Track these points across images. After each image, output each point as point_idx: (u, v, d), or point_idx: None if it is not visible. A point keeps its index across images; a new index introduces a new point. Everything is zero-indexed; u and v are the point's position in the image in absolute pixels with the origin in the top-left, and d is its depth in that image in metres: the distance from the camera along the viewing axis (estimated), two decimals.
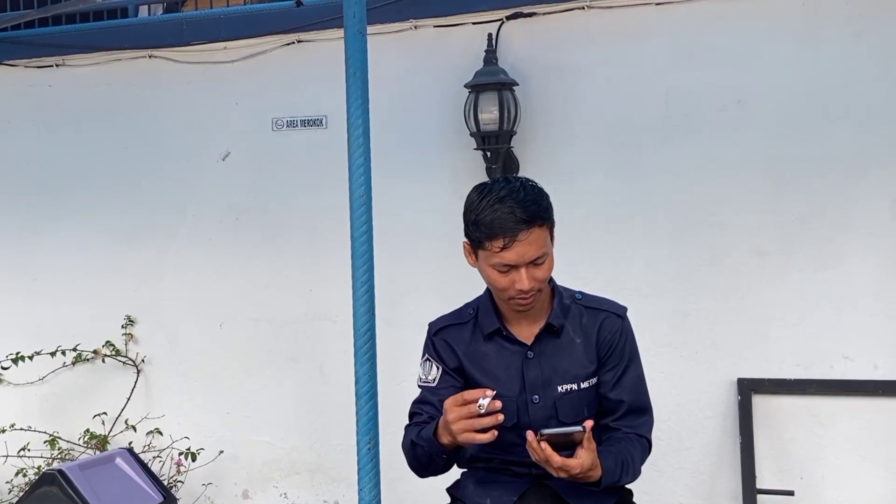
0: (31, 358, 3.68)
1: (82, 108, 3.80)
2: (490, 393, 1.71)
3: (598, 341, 1.90)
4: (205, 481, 3.59)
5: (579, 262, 3.00)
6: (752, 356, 2.91)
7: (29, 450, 3.67)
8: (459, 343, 1.92)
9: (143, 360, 3.74)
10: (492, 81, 2.95)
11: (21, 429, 3.67)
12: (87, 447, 3.66)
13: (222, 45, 3.49)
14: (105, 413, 3.72)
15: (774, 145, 2.92)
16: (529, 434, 1.70)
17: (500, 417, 1.70)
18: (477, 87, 2.97)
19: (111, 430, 3.71)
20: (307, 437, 3.52)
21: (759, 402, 2.88)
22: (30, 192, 3.88)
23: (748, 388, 2.88)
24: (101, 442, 3.66)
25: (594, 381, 1.89)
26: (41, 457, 3.66)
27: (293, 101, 3.46)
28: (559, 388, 1.86)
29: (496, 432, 1.71)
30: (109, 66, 3.73)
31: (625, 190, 3.01)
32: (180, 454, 3.54)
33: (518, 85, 3.02)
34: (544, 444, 1.68)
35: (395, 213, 3.22)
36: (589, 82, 3.05)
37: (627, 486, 1.93)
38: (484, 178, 3.11)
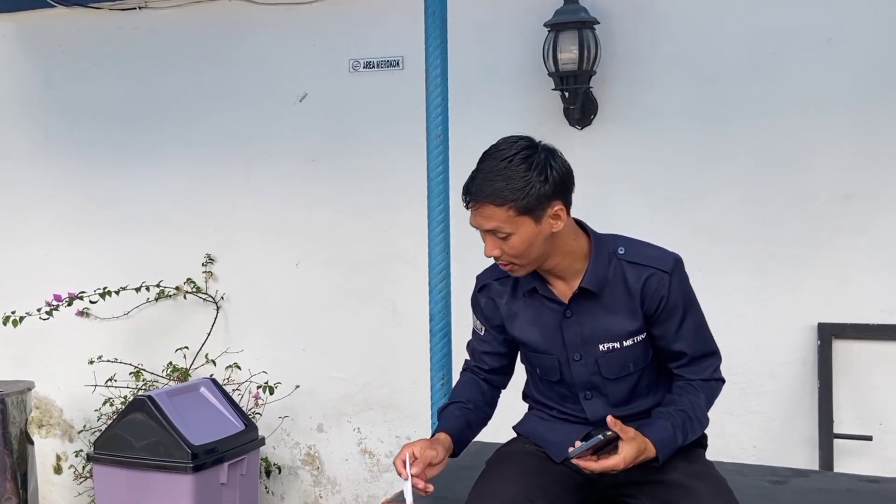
0: (117, 293, 3.83)
1: (164, 50, 3.87)
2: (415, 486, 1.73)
3: (644, 299, 1.83)
4: (281, 414, 3.71)
5: (659, 205, 2.98)
6: (834, 301, 2.86)
7: (115, 381, 3.84)
8: (501, 299, 1.93)
9: (222, 297, 3.86)
10: (572, 20, 2.91)
11: (108, 361, 3.83)
12: (169, 379, 3.81)
13: None
14: (186, 347, 3.86)
15: (864, 86, 2.83)
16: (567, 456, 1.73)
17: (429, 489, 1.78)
18: (556, 26, 2.94)
19: (192, 363, 3.85)
20: (380, 374, 3.60)
21: (840, 348, 2.84)
22: (113, 134, 3.99)
23: (828, 333, 2.84)
24: (182, 374, 3.81)
25: (640, 337, 1.85)
26: (127, 387, 3.82)
27: (370, 43, 3.48)
28: (600, 347, 1.85)
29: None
30: (190, 8, 3.79)
31: (707, 131, 2.96)
32: (258, 388, 3.66)
33: (599, 24, 2.97)
34: (577, 461, 1.69)
35: (470, 154, 3.22)
36: (671, 21, 2.99)
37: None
38: (561, 119, 3.12)
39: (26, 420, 3.77)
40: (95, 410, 3.85)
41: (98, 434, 3.78)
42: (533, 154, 1.73)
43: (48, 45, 4.08)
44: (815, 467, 2.83)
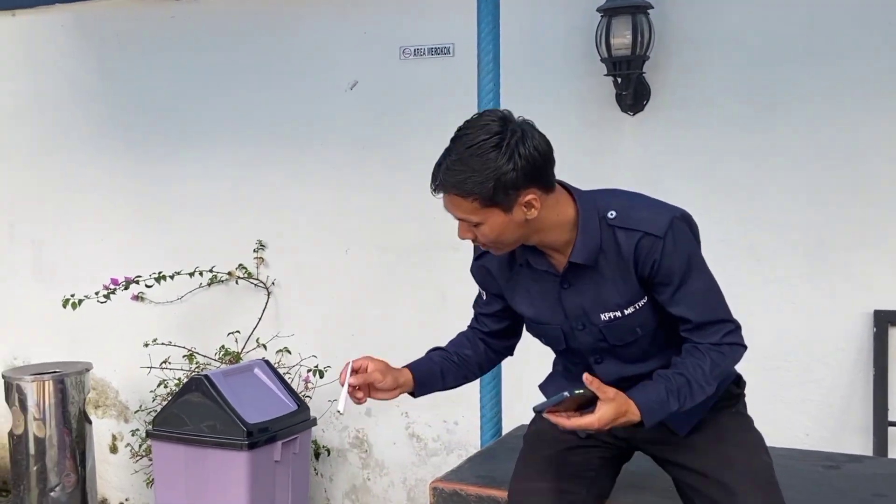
0: (171, 277, 3.91)
1: (216, 38, 3.94)
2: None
3: (637, 265, 1.72)
4: (330, 398, 3.76)
5: (712, 192, 2.97)
6: (891, 288, 2.83)
7: (169, 363, 3.93)
8: (498, 269, 1.86)
9: (273, 283, 3.93)
10: (625, 5, 2.91)
11: (162, 344, 3.92)
12: (221, 362, 3.89)
13: None
14: (238, 331, 3.94)
15: None
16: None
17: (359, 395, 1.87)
18: (610, 11, 2.94)
19: (244, 347, 3.93)
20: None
21: None
22: (167, 121, 4.08)
23: (885, 321, 2.81)
24: (234, 358, 3.88)
25: (641, 303, 1.75)
26: (181, 369, 3.91)
27: (421, 30, 3.50)
28: (602, 317, 1.77)
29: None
30: None
31: (762, 117, 2.94)
32: (308, 371, 3.72)
33: (653, 8, 2.96)
34: (547, 415, 1.63)
35: None
36: (727, 4, 2.97)
37: (734, 384, 1.87)
38: (613, 105, 3.11)
39: (84, 400, 3.88)
40: (150, 392, 3.94)
41: (153, 415, 3.89)
42: (501, 139, 1.60)
43: (104, 35, 4.18)
44: (870, 454, 2.80)
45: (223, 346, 3.92)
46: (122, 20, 4.12)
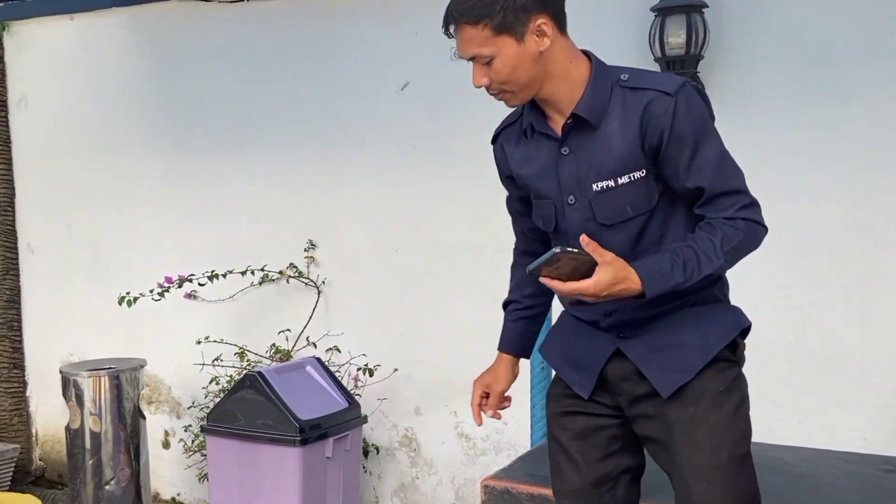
0: (223, 276, 3.98)
1: (268, 40, 4.00)
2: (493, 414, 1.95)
3: (643, 126, 1.62)
4: (379, 396, 3.80)
5: (768, 191, 2.90)
6: None
7: (221, 360, 3.99)
8: (510, 145, 1.82)
9: (323, 282, 3.97)
10: (680, 4, 2.89)
11: (214, 341, 3.98)
12: (272, 360, 3.95)
13: None
14: (289, 330, 3.99)
15: None
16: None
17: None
18: (663, 11, 2.92)
19: (294, 345, 3.98)
20: (477, 358, 3.61)
21: None
22: (220, 122, 4.15)
23: None
24: (284, 355, 3.94)
25: (637, 174, 1.65)
26: (233, 367, 3.97)
27: None
28: (594, 187, 1.68)
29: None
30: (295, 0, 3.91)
31: (820, 116, 2.90)
32: (358, 369, 3.76)
33: (707, 7, 2.94)
34: (545, 279, 1.56)
35: None
36: (782, 3, 2.94)
37: (747, 325, 1.75)
38: None
39: (138, 396, 3.96)
40: (203, 388, 4.01)
41: (205, 411, 3.95)
42: None
43: (158, 37, 4.27)
44: None
45: (274, 344, 3.98)
46: (176, 22, 4.20)
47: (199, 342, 3.97)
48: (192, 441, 4.08)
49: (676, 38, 2.88)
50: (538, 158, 1.76)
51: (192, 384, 4.18)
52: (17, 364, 4.79)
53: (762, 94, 2.99)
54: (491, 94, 1.71)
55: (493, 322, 3.58)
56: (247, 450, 3.12)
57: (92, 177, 4.51)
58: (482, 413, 1.96)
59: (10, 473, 4.48)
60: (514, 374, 1.98)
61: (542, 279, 1.56)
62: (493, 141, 1.88)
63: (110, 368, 3.87)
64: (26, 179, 4.73)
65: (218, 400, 3.85)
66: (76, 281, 4.61)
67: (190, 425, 4.15)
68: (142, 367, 3.99)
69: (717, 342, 1.70)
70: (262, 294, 4.09)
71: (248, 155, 4.08)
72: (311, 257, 3.99)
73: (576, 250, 1.53)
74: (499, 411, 1.98)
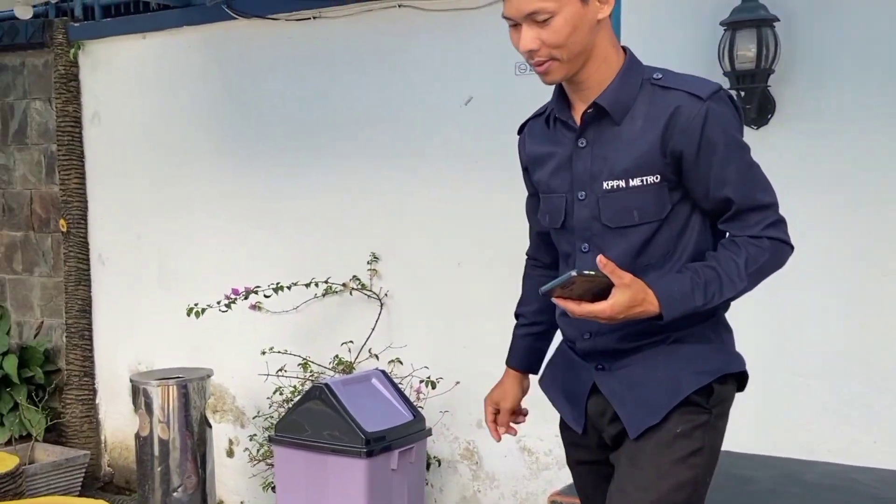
0: (288, 288, 4.04)
1: (334, 56, 4.07)
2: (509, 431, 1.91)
3: (668, 129, 1.53)
4: (441, 409, 3.81)
5: (842, 205, 2.88)
6: None
7: (285, 371, 4.05)
8: (533, 136, 1.77)
9: (385, 294, 4.01)
10: (750, 18, 2.87)
11: (278, 352, 4.05)
12: (335, 371, 3.99)
13: None
14: (351, 341, 4.03)
15: None
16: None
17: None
18: (733, 25, 2.90)
19: (357, 357, 4.02)
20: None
21: None
22: (286, 137, 4.23)
23: None
24: (347, 367, 3.98)
25: (651, 179, 1.56)
26: (296, 377, 4.03)
27: None
28: (604, 185, 1.59)
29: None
30: (361, 16, 3.96)
31: (892, 129, 2.84)
32: (420, 382, 3.78)
33: (778, 21, 2.91)
34: (557, 300, 1.50)
35: None
36: (858, 15, 2.88)
37: (731, 372, 1.64)
38: None
39: (205, 405, 4.04)
40: (267, 398, 4.07)
41: (270, 421, 4.01)
42: None
43: (228, 55, 4.37)
44: None
45: (337, 356, 4.03)
46: (244, 40, 4.30)
47: (263, 353, 4.03)
48: (258, 450, 4.15)
49: (747, 51, 2.85)
50: (556, 150, 1.69)
51: (256, 394, 4.26)
52: (88, 372, 4.93)
53: (834, 108, 2.94)
54: (533, 63, 1.59)
55: (556, 337, 3.60)
56: (313, 460, 3.16)
57: (161, 190, 4.63)
58: (498, 429, 1.92)
59: (81, 479, 4.61)
60: (524, 390, 1.93)
61: (555, 300, 1.50)
62: (520, 131, 1.84)
63: (178, 378, 3.96)
64: (98, 193, 4.88)
65: (282, 410, 3.91)
66: (145, 292, 4.73)
67: (255, 435, 4.22)
68: (208, 376, 4.08)
69: (688, 385, 1.59)
70: (325, 306, 4.15)
71: (314, 168, 4.14)
72: (374, 270, 4.04)
73: (592, 272, 1.46)
74: (514, 426, 1.93)
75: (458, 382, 3.78)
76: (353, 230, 4.06)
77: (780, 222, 1.59)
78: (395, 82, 3.92)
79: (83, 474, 4.62)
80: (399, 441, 3.22)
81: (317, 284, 4.06)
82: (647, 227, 1.59)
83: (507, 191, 3.72)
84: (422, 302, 3.92)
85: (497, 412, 1.93)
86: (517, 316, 1.96)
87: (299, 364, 4.05)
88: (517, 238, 3.68)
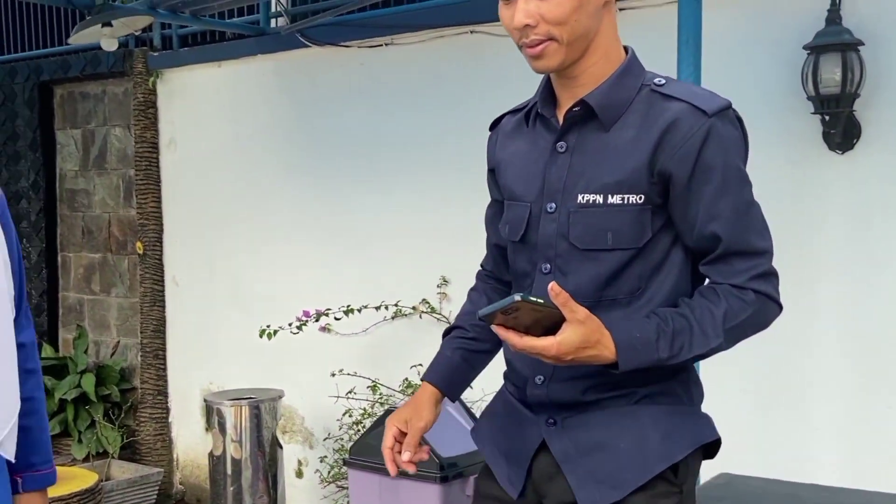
0: (359, 311, 4.08)
1: (405, 83, 4.12)
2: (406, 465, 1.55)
3: (661, 144, 1.32)
4: None
5: None
6: None
7: (354, 393, 4.09)
8: (506, 133, 1.55)
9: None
10: (834, 42, 2.82)
11: (347, 374, 4.09)
12: (405, 394, 4.01)
13: None
14: (420, 364, 4.04)
15: None
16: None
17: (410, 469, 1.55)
18: (817, 49, 2.85)
19: None
20: None
21: None
22: (357, 162, 4.28)
23: None
24: (416, 390, 3.98)
25: (632, 198, 1.34)
26: (366, 399, 4.06)
27: None
28: (578, 198, 1.37)
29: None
30: (433, 42, 4.01)
31: None
32: None
33: (863, 45, 2.86)
34: (498, 329, 1.27)
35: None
36: None
37: (704, 442, 1.42)
38: (820, 143, 3.00)
39: (276, 425, 4.09)
40: (336, 420, 4.11)
41: (340, 443, 4.05)
42: None
43: (300, 82, 4.46)
44: None
45: (406, 379, 4.04)
46: (317, 67, 4.38)
47: (332, 374, 4.07)
48: (328, 472, 4.18)
49: (831, 76, 2.80)
50: (530, 153, 1.47)
51: (325, 415, 4.29)
52: (161, 391, 5.04)
53: None
54: (527, 44, 1.40)
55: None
56: (388, 484, 3.16)
57: (234, 214, 4.73)
58: (403, 453, 1.61)
59: (154, 496, 4.70)
60: (437, 413, 1.66)
61: (494, 328, 1.27)
62: (492, 127, 1.62)
63: (250, 398, 4.03)
64: (174, 216, 5.01)
65: (352, 432, 3.93)
66: (217, 312, 4.82)
67: (325, 456, 4.25)
68: (280, 397, 4.13)
69: (658, 460, 1.36)
70: (394, 328, 4.18)
71: (384, 193, 4.19)
72: (444, 293, 4.05)
73: (541, 301, 1.24)
74: (412, 462, 1.62)
75: None
76: (423, 253, 4.08)
77: (771, 275, 1.37)
78: (466, 106, 3.94)
79: (156, 492, 4.71)
80: (473, 467, 3.20)
81: (387, 307, 4.09)
82: (620, 254, 1.37)
83: None
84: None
85: (402, 435, 1.63)
86: (452, 329, 1.68)
87: (368, 386, 4.08)
88: None
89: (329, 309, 4.10)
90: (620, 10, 3.45)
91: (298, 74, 4.46)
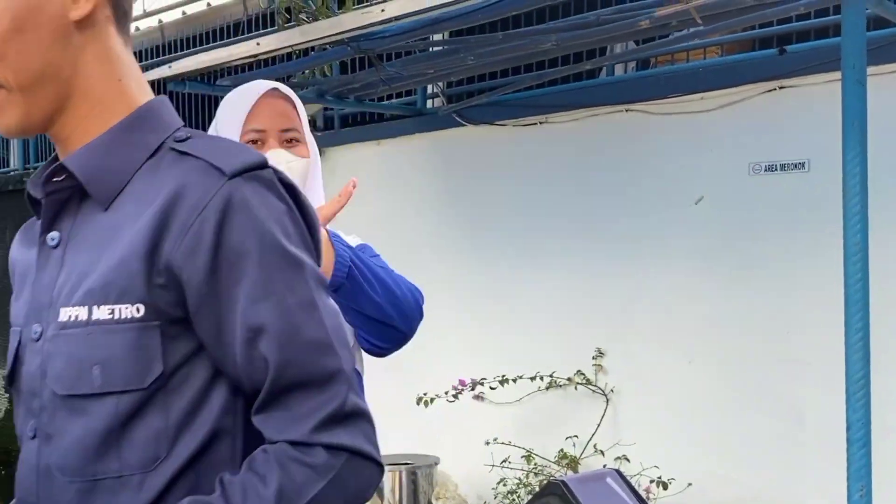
0: (514, 381, 4.17)
1: (559, 159, 4.25)
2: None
3: (164, 223, 0.90)
4: None
5: None
6: None
7: (509, 462, 4.15)
8: (27, 232, 1.09)
9: (611, 390, 4.04)
10: None
11: (502, 443, 4.16)
12: (559, 466, 4.04)
13: (699, 95, 3.68)
14: (576, 436, 4.07)
15: None
16: None
17: None
18: None
19: (582, 452, 4.05)
20: (777, 477, 3.52)
21: None
22: (510, 235, 4.42)
23: None
24: (572, 462, 4.01)
25: (129, 312, 0.90)
26: (520, 469, 4.11)
27: (771, 146, 3.53)
28: (61, 314, 0.93)
29: None
30: (587, 121, 4.13)
31: None
32: (651, 482, 3.74)
33: None
34: None
35: (890, 262, 3.10)
36: None
37: None
38: None
39: (432, 492, 4.20)
40: (491, 489, 4.17)
41: None
42: None
43: (457, 158, 4.66)
44: None
45: (562, 450, 4.07)
46: (472, 144, 4.58)
47: (487, 443, 4.15)
48: None
49: None
50: (25, 258, 1.05)
51: (478, 483, 4.36)
52: None
53: None
54: None
55: (803, 441, 3.47)
56: None
57: None
58: None
59: None
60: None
61: None
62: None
63: (408, 464, 4.15)
64: None
65: (506, 501, 3.99)
66: (374, 377, 4.99)
67: None
68: (436, 464, 4.24)
69: None
70: (548, 399, 4.23)
71: (539, 265, 4.29)
72: (600, 365, 4.09)
73: None
74: None
75: (689, 484, 3.71)
76: (579, 325, 4.14)
77: (352, 414, 0.93)
78: (622, 182, 4.02)
79: None
80: None
81: (541, 378, 4.16)
82: (115, 401, 0.91)
83: (739, 289, 3.71)
84: (651, 399, 3.91)
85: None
86: None
87: (523, 456, 4.13)
88: (751, 337, 3.64)
89: (484, 378, 4.21)
90: (780, 88, 3.51)
91: (454, 151, 4.67)
